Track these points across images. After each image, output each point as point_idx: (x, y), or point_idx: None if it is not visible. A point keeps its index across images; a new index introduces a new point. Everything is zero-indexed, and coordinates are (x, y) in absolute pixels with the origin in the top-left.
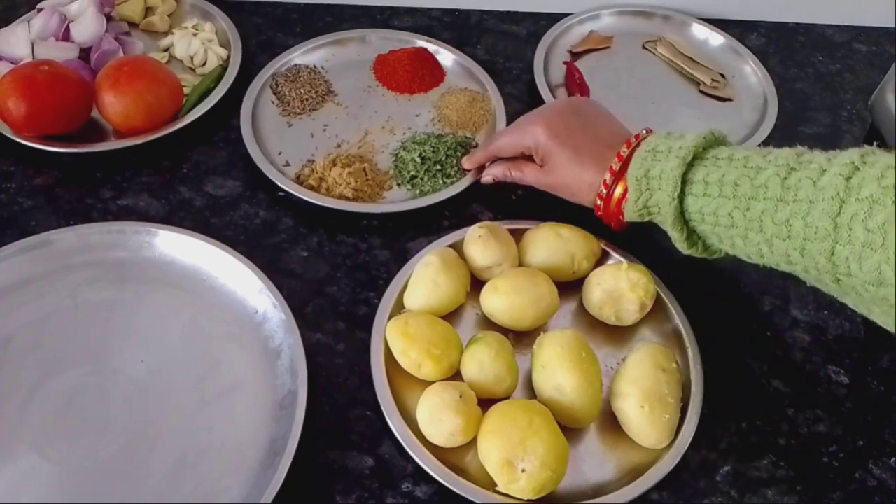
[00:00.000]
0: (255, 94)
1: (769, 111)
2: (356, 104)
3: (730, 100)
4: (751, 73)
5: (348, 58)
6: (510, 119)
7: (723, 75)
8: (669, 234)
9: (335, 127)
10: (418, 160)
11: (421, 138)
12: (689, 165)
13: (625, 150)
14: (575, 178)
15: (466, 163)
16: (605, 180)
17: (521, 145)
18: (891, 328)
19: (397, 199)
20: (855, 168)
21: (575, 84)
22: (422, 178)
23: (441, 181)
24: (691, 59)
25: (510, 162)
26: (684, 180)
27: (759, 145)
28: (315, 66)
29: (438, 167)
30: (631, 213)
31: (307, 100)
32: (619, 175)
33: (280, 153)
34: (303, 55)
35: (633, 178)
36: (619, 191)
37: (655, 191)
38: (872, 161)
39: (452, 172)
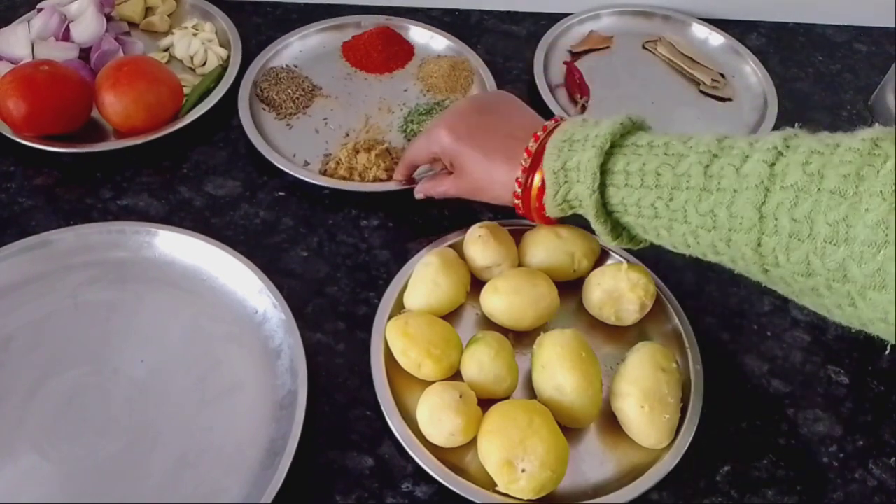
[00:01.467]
0: (246, 105)
1: (769, 111)
2: (344, 93)
3: (730, 100)
4: (751, 73)
5: (316, 52)
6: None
7: (723, 75)
8: (593, 227)
9: (335, 118)
10: None
11: (423, 108)
12: (609, 154)
13: (532, 145)
14: (487, 178)
15: (396, 175)
16: (517, 178)
17: (429, 151)
18: (825, 314)
19: (425, 172)
20: (778, 153)
21: (575, 84)
22: None
23: None
24: (691, 59)
25: (431, 179)
26: (604, 170)
27: None
28: (288, 66)
29: None
30: (552, 208)
31: (297, 98)
32: (531, 170)
33: (294, 155)
34: (273, 57)
35: (551, 171)
36: (536, 183)
37: (574, 183)
38: (796, 145)
39: None
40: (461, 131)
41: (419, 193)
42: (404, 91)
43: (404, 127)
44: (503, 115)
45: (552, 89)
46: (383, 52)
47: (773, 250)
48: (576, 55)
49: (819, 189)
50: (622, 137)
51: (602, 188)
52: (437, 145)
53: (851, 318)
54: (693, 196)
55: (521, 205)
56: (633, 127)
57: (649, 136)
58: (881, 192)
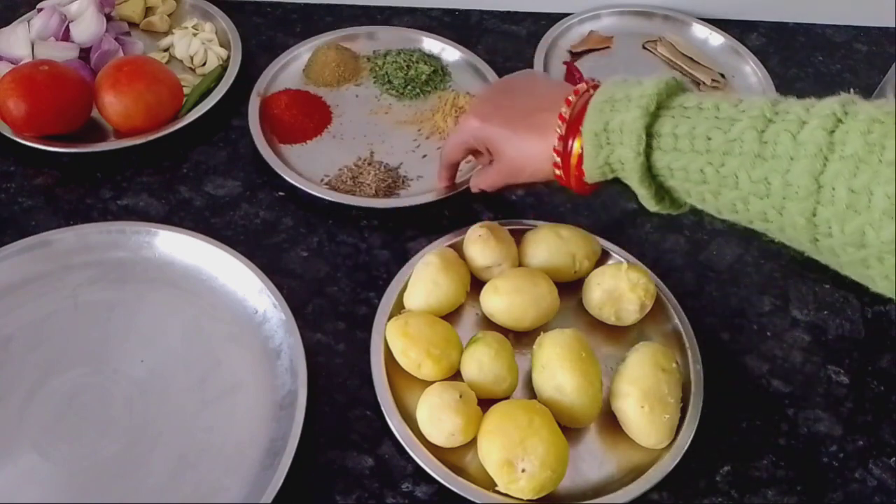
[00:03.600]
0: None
1: None
2: (349, 135)
3: None
4: (751, 73)
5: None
6: None
7: (723, 75)
8: (636, 192)
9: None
10: (404, 77)
11: (384, 86)
12: (654, 116)
13: (566, 111)
14: (521, 155)
15: (439, 181)
16: (554, 147)
17: (463, 144)
18: (867, 284)
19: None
20: (837, 121)
21: (575, 84)
22: (431, 80)
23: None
24: (691, 59)
25: (480, 174)
26: (649, 133)
27: None
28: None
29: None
30: (592, 172)
31: (347, 167)
32: (568, 136)
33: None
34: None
35: (591, 133)
36: (576, 149)
37: (617, 145)
38: (855, 112)
39: (426, 70)
40: (486, 113)
41: (474, 188)
42: (356, 97)
43: (386, 89)
44: (526, 90)
45: None
46: (313, 116)
47: (828, 220)
48: (576, 55)
49: (880, 160)
50: (668, 98)
51: (647, 151)
52: (466, 134)
53: None
54: (746, 162)
55: (562, 175)
56: (677, 87)
57: (697, 98)
58: None
